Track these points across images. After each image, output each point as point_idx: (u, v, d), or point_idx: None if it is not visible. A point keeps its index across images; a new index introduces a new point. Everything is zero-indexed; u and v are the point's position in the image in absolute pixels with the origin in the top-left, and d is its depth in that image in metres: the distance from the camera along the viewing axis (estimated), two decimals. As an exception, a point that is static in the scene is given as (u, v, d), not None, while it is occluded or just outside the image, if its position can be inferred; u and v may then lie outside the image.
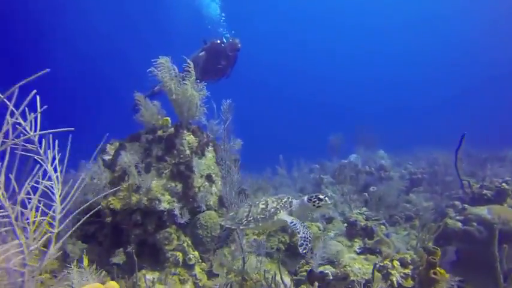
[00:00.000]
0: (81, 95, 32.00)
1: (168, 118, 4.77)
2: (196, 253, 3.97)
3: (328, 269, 3.68)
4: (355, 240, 4.61)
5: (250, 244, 4.51)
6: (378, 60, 40.01)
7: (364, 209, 5.74)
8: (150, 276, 3.73)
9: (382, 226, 4.90)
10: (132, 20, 31.70)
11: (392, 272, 3.02)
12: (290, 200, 2.84)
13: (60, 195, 2.00)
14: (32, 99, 1.69)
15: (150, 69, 4.10)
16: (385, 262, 3.13)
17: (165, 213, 3.89)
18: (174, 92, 4.13)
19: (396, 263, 3.10)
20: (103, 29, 30.21)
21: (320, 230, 4.63)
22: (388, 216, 6.10)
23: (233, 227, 2.77)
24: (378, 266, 3.10)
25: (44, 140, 1.94)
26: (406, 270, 3.04)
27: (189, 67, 4.26)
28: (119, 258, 3.94)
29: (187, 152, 4.37)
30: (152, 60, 3.99)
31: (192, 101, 4.21)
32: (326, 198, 2.77)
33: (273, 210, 2.71)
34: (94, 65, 31.31)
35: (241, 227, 2.73)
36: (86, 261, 2.42)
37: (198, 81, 6.64)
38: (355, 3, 34.42)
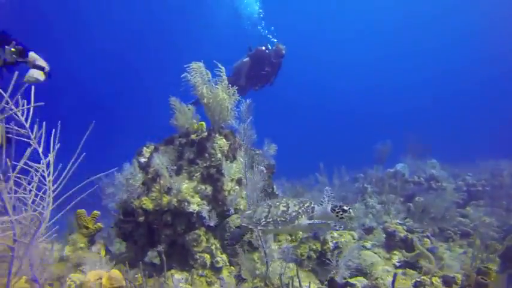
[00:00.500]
0: (122, 100, 33.45)
1: (203, 123, 4.88)
2: (224, 256, 3.96)
3: (361, 281, 3.46)
4: (394, 252, 4.28)
5: (282, 251, 4.41)
6: (432, 63, 37.25)
7: (407, 219, 5.32)
8: (178, 276, 3.80)
9: (426, 239, 4.48)
10: (167, 23, 32.53)
11: (430, 289, 2.71)
12: (312, 205, 2.73)
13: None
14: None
15: (183, 75, 4.22)
16: (423, 278, 2.83)
17: (194, 215, 3.95)
18: (206, 96, 4.21)
19: (436, 280, 2.78)
20: (140, 33, 31.53)
21: (354, 239, 4.36)
22: (437, 229, 5.59)
23: (250, 227, 2.65)
24: (415, 282, 2.82)
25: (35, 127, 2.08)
26: None
27: (221, 71, 4.33)
28: (151, 257, 4.09)
29: (219, 155, 4.42)
30: (185, 66, 4.11)
31: (223, 104, 4.25)
32: (350, 211, 2.67)
33: (294, 214, 2.61)
34: (136, 73, 32.84)
35: (259, 228, 2.62)
36: (103, 252, 2.53)
37: (239, 87, 6.79)
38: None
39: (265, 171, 5.13)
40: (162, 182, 4.00)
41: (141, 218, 3.95)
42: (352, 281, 3.16)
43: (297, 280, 2.87)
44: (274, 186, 5.18)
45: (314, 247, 4.25)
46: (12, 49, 3.02)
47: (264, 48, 7.27)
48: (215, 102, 4.24)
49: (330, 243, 4.11)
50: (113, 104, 32.33)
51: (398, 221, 4.93)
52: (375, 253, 4.33)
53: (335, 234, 4.22)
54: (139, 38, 31.94)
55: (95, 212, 4.52)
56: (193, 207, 3.95)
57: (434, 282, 2.78)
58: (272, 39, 8.56)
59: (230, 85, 6.90)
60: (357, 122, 35.92)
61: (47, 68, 3.20)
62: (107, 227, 4.98)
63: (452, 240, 5.50)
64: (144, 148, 4.72)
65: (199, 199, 4.07)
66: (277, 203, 2.72)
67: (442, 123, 28.95)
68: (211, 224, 4.04)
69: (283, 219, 2.58)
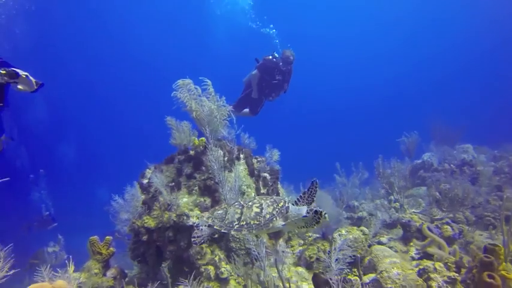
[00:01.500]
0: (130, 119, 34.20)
1: (203, 138, 4.95)
2: (228, 266, 3.90)
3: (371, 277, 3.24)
4: (411, 244, 3.98)
5: (296, 255, 4.28)
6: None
7: (428, 208, 4.96)
8: (186, 291, 3.77)
9: (446, 226, 4.13)
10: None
11: (433, 275, 2.46)
12: (287, 205, 2.58)
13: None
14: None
15: (172, 94, 4.34)
16: (425, 264, 2.58)
17: (195, 228, 3.94)
18: (194, 109, 4.29)
19: (439, 265, 2.53)
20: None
21: (366, 234, 4.12)
22: (471, 216, 5.16)
23: (223, 230, 2.50)
24: (418, 270, 2.58)
25: None
26: (451, 274, 2.45)
27: (208, 84, 4.41)
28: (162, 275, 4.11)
29: (215, 167, 4.44)
30: (173, 85, 4.23)
31: (211, 116, 4.30)
32: (326, 215, 2.45)
33: (268, 216, 2.47)
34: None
35: (232, 232, 2.49)
36: (71, 269, 2.56)
37: (252, 100, 7.09)
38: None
39: (268, 177, 5.09)
40: (161, 199, 4.07)
41: (145, 237, 4.02)
42: (351, 277, 2.96)
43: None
44: (280, 192, 5.10)
45: (323, 247, 4.08)
46: (3, 71, 3.03)
47: (270, 57, 7.15)
48: (203, 114, 4.30)
49: (339, 241, 3.91)
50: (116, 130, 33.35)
51: (414, 210, 4.60)
52: (391, 247, 4.06)
53: (343, 231, 4.02)
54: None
55: (107, 237, 4.66)
56: (193, 220, 3.96)
57: (437, 267, 2.52)
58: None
59: (242, 100, 6.88)
60: (372, 117, 34.67)
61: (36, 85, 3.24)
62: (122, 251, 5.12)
63: (493, 228, 5.03)
64: (147, 170, 4.85)
65: (198, 212, 4.08)
66: (250, 203, 2.60)
67: (479, 107, 27.10)
68: (214, 235, 4.02)
69: (257, 223, 2.45)
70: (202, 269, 3.86)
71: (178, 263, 4.05)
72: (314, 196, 2.67)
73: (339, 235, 3.97)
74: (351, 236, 3.85)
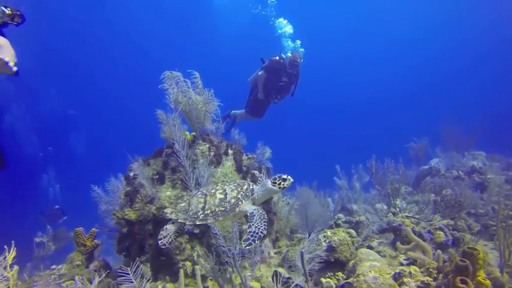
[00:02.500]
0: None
1: (194, 133, 4.88)
2: (207, 264, 3.78)
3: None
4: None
5: (281, 256, 4.13)
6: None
7: (419, 213, 4.71)
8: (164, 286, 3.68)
9: (439, 232, 3.90)
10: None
11: (406, 280, 2.28)
12: (251, 187, 2.49)
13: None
14: None
15: (160, 86, 4.27)
16: (400, 268, 2.40)
17: (175, 222, 3.85)
18: (181, 101, 4.22)
19: (415, 269, 2.34)
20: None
21: (353, 237, 3.93)
22: (476, 225, 4.90)
23: (188, 222, 2.37)
24: (394, 274, 2.40)
25: None
26: (425, 278, 2.26)
27: (195, 77, 4.34)
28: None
29: (201, 161, 4.35)
30: (161, 77, 4.16)
31: (197, 108, 4.22)
32: (289, 177, 2.37)
33: (233, 201, 2.36)
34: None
35: (197, 222, 2.36)
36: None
37: (258, 101, 6.87)
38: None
39: (257, 174, 4.95)
40: (143, 191, 4.00)
41: (125, 229, 3.96)
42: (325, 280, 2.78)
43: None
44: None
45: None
46: None
47: (277, 58, 6.89)
48: (189, 106, 4.22)
49: (323, 243, 3.75)
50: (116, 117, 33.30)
51: (407, 214, 4.37)
52: (379, 251, 3.86)
53: (328, 233, 3.84)
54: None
55: (93, 229, 4.64)
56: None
57: (412, 271, 2.33)
58: (286, 42, 7.92)
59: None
60: (378, 118, 33.73)
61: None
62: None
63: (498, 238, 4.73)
64: (135, 163, 4.80)
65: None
66: (213, 191, 2.47)
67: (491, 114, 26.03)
68: (195, 231, 3.92)
69: (223, 209, 2.35)
70: (180, 265, 3.76)
71: (157, 257, 3.96)
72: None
73: (324, 236, 3.80)
74: (335, 238, 3.67)
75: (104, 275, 4.27)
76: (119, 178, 4.36)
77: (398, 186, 4.64)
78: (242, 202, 2.37)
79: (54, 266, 4.92)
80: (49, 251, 5.09)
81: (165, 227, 2.50)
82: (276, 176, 2.41)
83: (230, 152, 4.81)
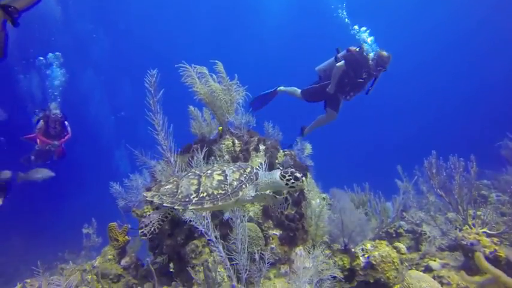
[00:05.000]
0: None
1: (221, 128, 4.58)
2: (223, 271, 3.36)
3: None
4: (476, 278, 2.78)
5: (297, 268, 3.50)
6: None
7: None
8: (176, 292, 3.40)
9: None
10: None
11: None
12: (255, 170, 2.05)
13: None
14: None
15: (182, 79, 4.02)
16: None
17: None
18: (201, 92, 3.91)
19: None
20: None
21: (401, 254, 3.06)
22: None
23: (176, 207, 1.92)
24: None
25: None
26: None
27: (218, 66, 3.99)
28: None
29: (226, 157, 3.98)
30: (176, 66, 3.92)
31: (218, 99, 3.85)
32: (304, 179, 1.99)
33: (236, 184, 1.94)
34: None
35: (190, 207, 1.90)
36: None
37: (326, 95, 5.88)
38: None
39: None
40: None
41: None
42: None
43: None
44: (306, 191, 4.31)
45: (340, 263, 3.19)
46: None
47: (357, 49, 5.80)
48: (211, 97, 3.88)
49: (361, 258, 2.99)
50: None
51: (486, 230, 3.25)
52: (441, 276, 2.92)
53: (368, 245, 3.06)
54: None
55: (125, 225, 4.65)
56: (190, 215, 3.56)
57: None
58: (358, 33, 6.65)
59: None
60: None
61: None
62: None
63: None
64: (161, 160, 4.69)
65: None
66: (209, 171, 2.04)
67: None
68: (212, 234, 3.55)
69: (223, 192, 1.91)
70: (196, 269, 3.42)
71: (175, 259, 3.71)
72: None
73: (362, 250, 3.04)
74: (376, 253, 2.89)
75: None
76: (143, 174, 4.25)
77: (471, 191, 3.51)
78: (246, 186, 1.94)
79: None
80: (94, 243, 5.36)
81: (148, 214, 2.15)
82: (289, 171, 1.97)
83: (262, 147, 4.33)
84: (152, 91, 2.36)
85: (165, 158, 2.80)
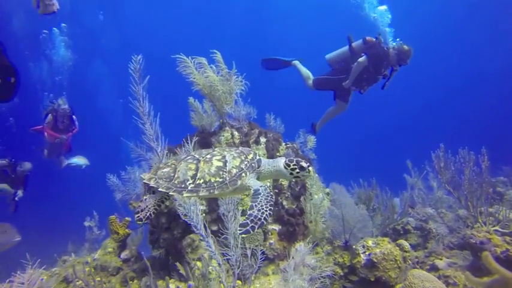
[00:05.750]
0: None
1: (222, 120, 4.48)
2: (217, 266, 3.28)
3: None
4: (484, 279, 2.60)
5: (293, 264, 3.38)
6: None
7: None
8: (172, 286, 3.34)
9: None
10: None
11: None
12: (258, 157, 1.91)
13: None
14: None
15: (178, 69, 3.92)
16: None
17: (189, 216, 3.47)
18: (199, 82, 3.80)
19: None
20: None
21: (405, 251, 2.89)
22: None
23: (171, 193, 1.82)
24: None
25: None
26: None
27: (216, 55, 3.88)
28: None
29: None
30: (172, 56, 3.81)
31: (216, 89, 3.74)
32: (310, 169, 1.83)
33: (235, 171, 1.81)
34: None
35: (184, 194, 1.79)
36: None
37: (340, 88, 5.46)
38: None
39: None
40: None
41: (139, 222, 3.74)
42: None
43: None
44: (309, 185, 4.17)
45: (341, 260, 3.06)
46: None
47: (375, 40, 5.23)
48: (209, 88, 3.77)
49: (362, 255, 2.85)
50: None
51: (498, 228, 3.04)
52: (447, 276, 2.75)
53: (370, 242, 2.90)
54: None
55: (127, 218, 4.62)
56: (186, 200, 3.48)
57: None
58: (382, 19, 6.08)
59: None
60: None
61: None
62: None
63: None
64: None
65: (197, 198, 3.58)
66: (209, 156, 1.91)
67: None
68: (212, 227, 3.47)
69: (220, 180, 1.79)
70: (192, 264, 3.36)
71: (173, 253, 3.65)
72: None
73: (363, 247, 2.89)
74: (377, 251, 2.74)
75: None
76: (141, 166, 4.19)
77: (481, 186, 3.27)
78: (246, 174, 1.81)
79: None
80: (96, 236, 5.39)
81: (143, 197, 2.05)
82: (294, 159, 1.85)
83: (263, 140, 4.21)
84: (136, 78, 2.25)
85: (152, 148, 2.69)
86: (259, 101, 4.82)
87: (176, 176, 1.88)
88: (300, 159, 1.87)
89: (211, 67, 4.01)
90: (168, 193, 1.87)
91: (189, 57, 3.86)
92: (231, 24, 29.35)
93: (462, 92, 29.81)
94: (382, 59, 5.20)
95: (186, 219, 2.76)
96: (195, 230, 2.70)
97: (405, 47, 5.15)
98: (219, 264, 2.61)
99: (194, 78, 3.76)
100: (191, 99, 4.45)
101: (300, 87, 6.10)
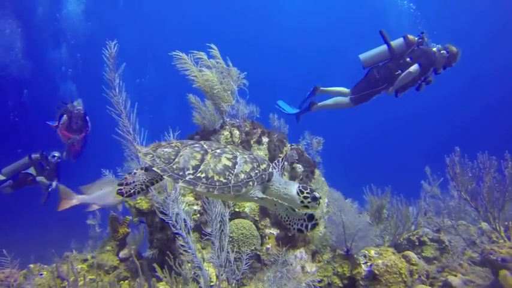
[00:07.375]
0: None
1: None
2: (212, 270, 3.10)
3: None
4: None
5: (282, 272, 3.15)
6: None
7: None
8: (162, 288, 3.20)
9: None
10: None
11: None
12: (270, 169, 1.68)
13: None
14: None
15: (174, 63, 3.81)
16: None
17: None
18: (199, 79, 3.69)
19: None
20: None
21: (412, 264, 2.59)
22: None
23: (166, 176, 1.58)
24: None
25: None
26: None
27: (213, 50, 3.76)
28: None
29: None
30: (169, 53, 3.71)
31: (214, 87, 3.61)
32: (320, 201, 1.61)
33: (243, 177, 1.59)
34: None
35: (180, 183, 1.56)
36: None
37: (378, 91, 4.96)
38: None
39: (299, 169, 4.04)
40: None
41: (136, 219, 3.64)
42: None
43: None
44: (312, 187, 3.91)
45: (340, 270, 2.80)
46: None
47: (416, 38, 4.79)
48: (206, 86, 3.64)
49: (363, 266, 2.58)
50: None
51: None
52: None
53: (372, 252, 2.63)
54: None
55: (127, 217, 4.56)
56: (181, 207, 3.34)
57: None
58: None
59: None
60: None
61: None
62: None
63: None
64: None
65: (191, 198, 3.44)
66: (219, 151, 1.69)
67: None
68: (207, 229, 3.30)
69: (224, 181, 1.57)
70: (183, 267, 3.19)
71: (167, 253, 3.51)
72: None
73: (364, 256, 2.62)
74: (379, 262, 2.46)
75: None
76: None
77: (504, 195, 2.87)
78: (253, 184, 1.59)
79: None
80: (98, 234, 5.38)
81: (133, 170, 1.78)
82: (308, 188, 1.62)
83: (265, 140, 4.02)
84: (111, 65, 2.11)
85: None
86: (263, 102, 4.65)
87: (176, 160, 1.65)
88: (313, 188, 1.64)
89: (217, 63, 3.87)
90: (161, 176, 1.63)
91: (189, 55, 3.76)
92: (240, 24, 29.53)
93: (485, 93, 28.13)
94: (431, 64, 4.73)
95: (162, 217, 2.59)
96: (172, 228, 2.54)
97: (454, 49, 4.69)
98: (199, 267, 2.43)
99: (193, 75, 3.66)
100: (191, 96, 4.34)
101: (303, 88, 5.65)
